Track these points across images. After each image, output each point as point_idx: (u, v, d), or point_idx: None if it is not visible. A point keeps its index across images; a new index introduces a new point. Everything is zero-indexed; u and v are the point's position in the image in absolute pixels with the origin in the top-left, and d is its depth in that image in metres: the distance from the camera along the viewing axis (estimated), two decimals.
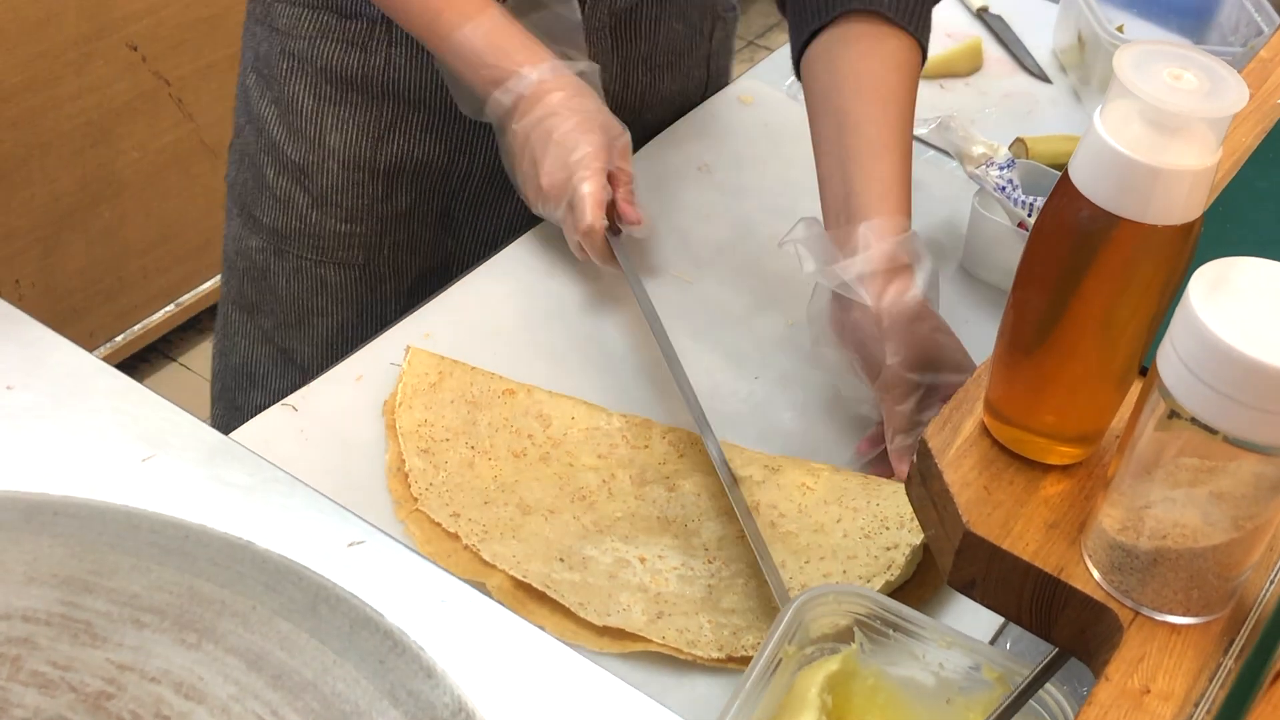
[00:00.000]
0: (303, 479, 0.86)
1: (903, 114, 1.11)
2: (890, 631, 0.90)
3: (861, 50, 1.12)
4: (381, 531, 0.83)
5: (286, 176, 1.30)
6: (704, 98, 1.43)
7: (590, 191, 1.10)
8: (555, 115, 1.11)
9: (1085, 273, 0.73)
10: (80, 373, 0.88)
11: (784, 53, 1.56)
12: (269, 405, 1.31)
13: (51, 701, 0.71)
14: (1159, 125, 0.69)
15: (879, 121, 1.09)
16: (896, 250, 1.06)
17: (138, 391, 0.88)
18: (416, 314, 1.17)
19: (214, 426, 1.42)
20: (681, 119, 1.40)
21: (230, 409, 1.41)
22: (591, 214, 1.10)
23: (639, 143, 1.35)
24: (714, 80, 1.43)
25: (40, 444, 0.84)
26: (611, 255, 1.14)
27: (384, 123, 1.26)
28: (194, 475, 0.84)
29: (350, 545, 0.82)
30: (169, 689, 0.72)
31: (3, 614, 0.74)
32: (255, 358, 1.37)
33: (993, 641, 0.98)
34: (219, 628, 0.75)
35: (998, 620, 0.98)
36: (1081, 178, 0.72)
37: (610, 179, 1.14)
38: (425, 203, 1.32)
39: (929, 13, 1.15)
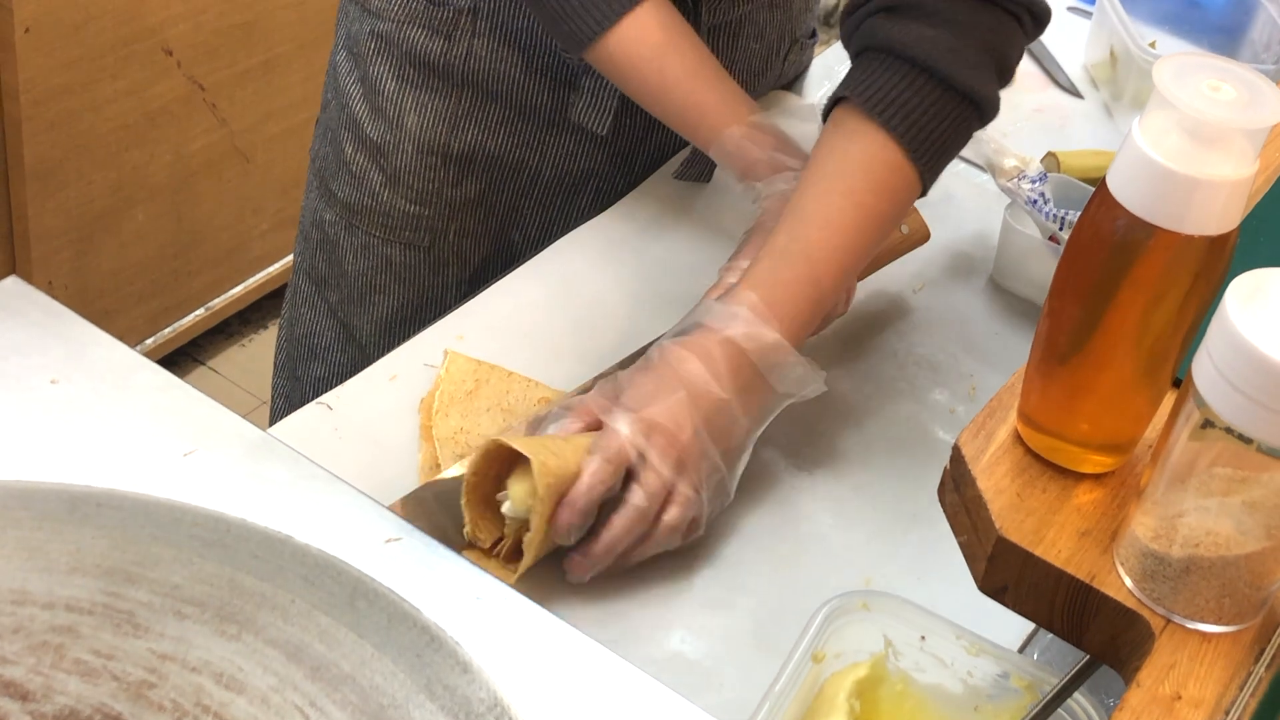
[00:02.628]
0: (338, 476, 0.87)
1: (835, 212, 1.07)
2: (919, 638, 0.91)
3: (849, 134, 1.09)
4: (417, 528, 0.84)
5: (364, 154, 1.33)
6: None
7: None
8: None
9: (1121, 282, 0.74)
10: (122, 368, 0.90)
11: (814, 64, 1.57)
12: (328, 378, 1.33)
13: (94, 690, 0.72)
14: (1197, 136, 0.70)
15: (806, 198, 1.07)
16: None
17: (179, 387, 0.89)
18: (451, 316, 1.18)
19: (275, 397, 1.47)
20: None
21: (291, 379, 1.44)
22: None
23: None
24: None
25: (83, 437, 0.85)
26: None
27: (461, 110, 1.29)
28: (234, 470, 0.85)
29: (387, 541, 0.83)
30: (209, 679, 0.73)
31: (46, 603, 0.75)
32: (319, 331, 1.40)
33: (1021, 650, 0.98)
34: (259, 620, 0.76)
35: (1026, 629, 0.99)
36: (1119, 187, 0.72)
37: None
38: (494, 194, 1.34)
39: (942, 157, 1.10)
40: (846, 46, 1.14)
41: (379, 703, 0.73)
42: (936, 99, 1.07)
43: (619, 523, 0.96)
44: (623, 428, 0.96)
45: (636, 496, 0.96)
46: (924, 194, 1.11)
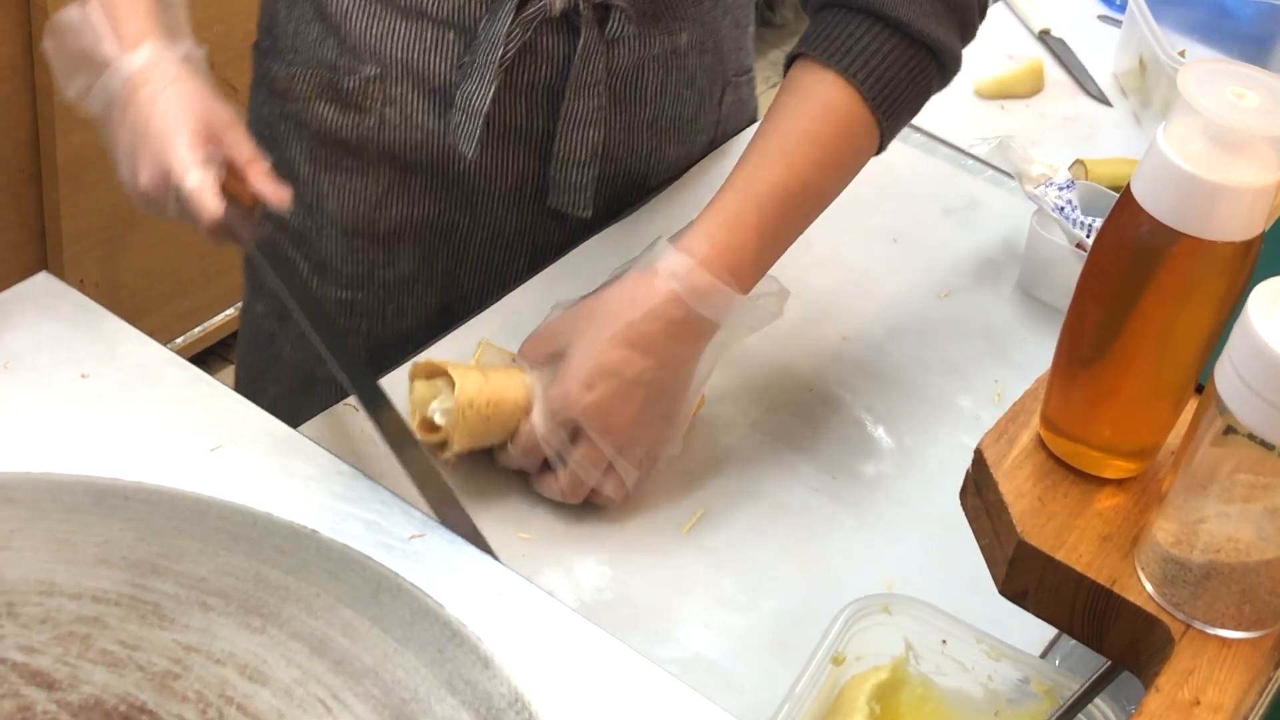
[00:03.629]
0: (363, 472, 0.88)
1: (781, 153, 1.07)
2: (940, 642, 0.91)
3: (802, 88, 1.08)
4: (442, 525, 0.85)
5: (287, 243, 1.28)
6: None
7: (194, 186, 1.01)
8: (144, 112, 1.03)
9: (1145, 287, 0.74)
10: (152, 363, 0.91)
11: None
12: None
13: (119, 679, 0.73)
14: (1221, 142, 0.70)
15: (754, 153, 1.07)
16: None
17: (207, 383, 0.90)
18: (477, 318, 1.19)
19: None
20: (694, 167, 1.35)
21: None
22: (211, 205, 1.01)
23: (643, 202, 1.33)
24: (719, 144, 1.38)
25: (112, 431, 0.86)
26: (250, 235, 1.06)
27: (381, 187, 1.24)
28: (260, 465, 0.86)
29: (411, 538, 0.84)
30: (233, 671, 0.74)
31: (74, 594, 0.76)
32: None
33: (1043, 656, 0.98)
34: (283, 613, 0.76)
35: (1048, 634, 0.99)
36: (1144, 193, 0.73)
37: (231, 162, 1.06)
38: (429, 266, 1.29)
39: (900, 107, 1.09)
40: (805, 9, 1.13)
41: (401, 696, 0.74)
42: (894, 46, 1.06)
43: (562, 480, 1.02)
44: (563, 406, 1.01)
45: (578, 464, 1.02)
46: (881, 149, 1.10)
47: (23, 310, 0.92)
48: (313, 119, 1.23)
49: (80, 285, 2.15)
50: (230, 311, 2.42)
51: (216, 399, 0.90)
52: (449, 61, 1.17)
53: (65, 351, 0.90)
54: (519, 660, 0.77)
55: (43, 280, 0.93)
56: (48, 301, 0.92)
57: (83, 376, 0.89)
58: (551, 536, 1.01)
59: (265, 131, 1.27)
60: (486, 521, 0.98)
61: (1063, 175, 1.29)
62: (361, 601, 0.77)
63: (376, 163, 1.23)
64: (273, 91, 1.26)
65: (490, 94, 1.15)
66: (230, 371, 2.47)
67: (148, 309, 2.28)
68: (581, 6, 1.14)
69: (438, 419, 0.99)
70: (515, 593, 0.82)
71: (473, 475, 1.03)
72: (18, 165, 2.02)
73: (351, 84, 1.20)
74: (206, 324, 2.40)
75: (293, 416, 1.11)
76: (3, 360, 0.89)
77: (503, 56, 1.13)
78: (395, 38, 1.17)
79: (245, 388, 1.31)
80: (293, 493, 0.84)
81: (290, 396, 1.30)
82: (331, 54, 1.20)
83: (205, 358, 2.45)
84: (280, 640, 0.75)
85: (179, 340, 2.36)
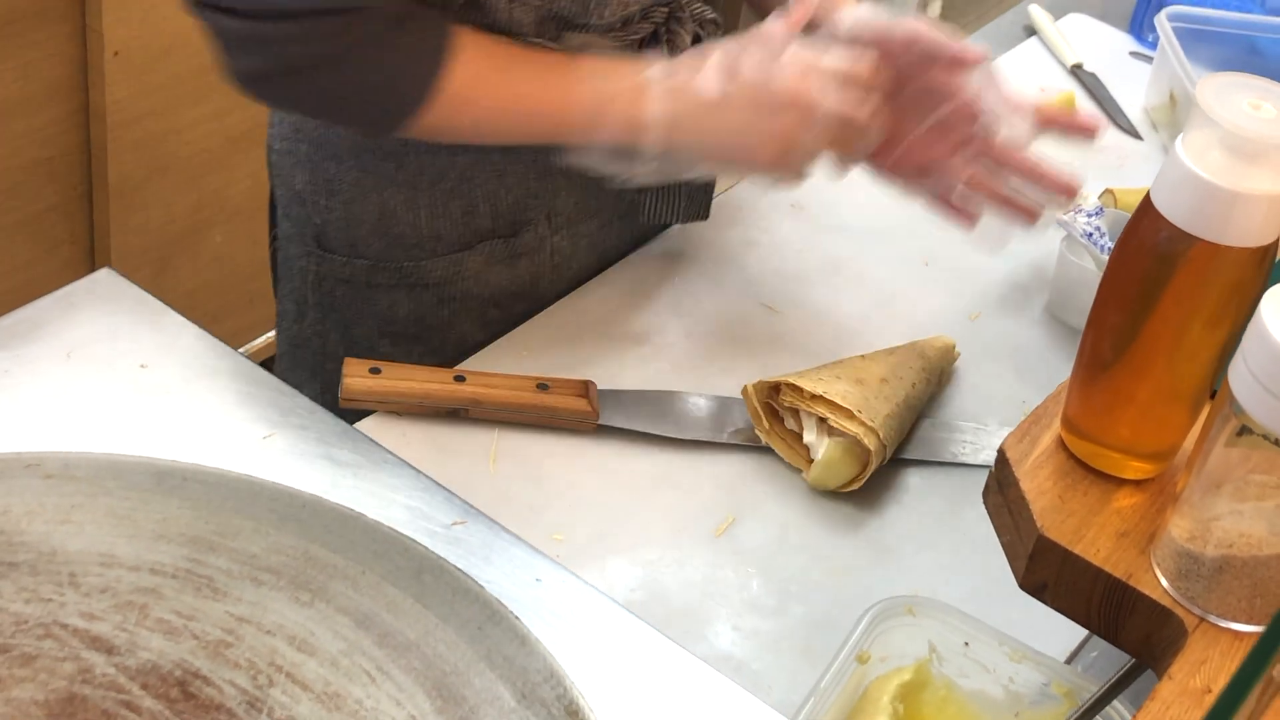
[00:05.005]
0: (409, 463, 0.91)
1: None
2: (963, 644, 0.93)
3: None
4: (481, 514, 0.88)
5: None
6: None
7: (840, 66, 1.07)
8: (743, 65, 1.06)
9: (1163, 292, 0.77)
10: (209, 356, 0.94)
11: None
12: None
13: (175, 646, 0.77)
14: (1238, 151, 0.73)
15: None
16: None
17: (260, 375, 0.94)
18: (517, 331, 1.22)
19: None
20: None
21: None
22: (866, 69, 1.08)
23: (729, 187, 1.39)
24: None
25: (171, 418, 0.90)
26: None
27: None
28: (310, 452, 0.89)
29: (452, 524, 0.87)
30: (283, 641, 0.77)
31: (133, 565, 0.80)
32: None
33: (1068, 662, 1.00)
34: (330, 589, 0.80)
35: (1073, 641, 1.01)
36: (1162, 200, 0.76)
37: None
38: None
39: None
40: None
41: (441, 669, 0.77)
42: None
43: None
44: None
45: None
46: None
47: (86, 304, 0.96)
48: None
49: None
50: (271, 334, 2.46)
51: (270, 391, 0.93)
52: None
53: (126, 343, 0.93)
54: (555, 641, 0.80)
55: (105, 275, 0.97)
56: (109, 295, 0.96)
57: (142, 366, 0.92)
58: (586, 538, 1.04)
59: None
60: (523, 524, 1.01)
61: (1091, 202, 1.32)
62: (405, 580, 0.80)
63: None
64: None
65: None
66: None
67: None
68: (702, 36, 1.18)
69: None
70: (552, 579, 0.86)
71: (510, 480, 1.06)
72: (70, 184, 2.06)
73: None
74: (250, 344, 2.43)
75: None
76: (66, 349, 0.93)
77: None
78: None
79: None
80: (340, 479, 0.88)
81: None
82: None
83: None
84: (327, 614, 0.79)
85: None
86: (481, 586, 0.80)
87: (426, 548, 0.82)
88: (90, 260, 2.16)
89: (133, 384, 0.91)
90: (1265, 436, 0.71)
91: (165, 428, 0.89)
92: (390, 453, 0.91)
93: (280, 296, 1.31)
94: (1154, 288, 0.77)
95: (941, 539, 1.10)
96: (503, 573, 0.85)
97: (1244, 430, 0.72)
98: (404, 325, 1.22)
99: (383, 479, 0.89)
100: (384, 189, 1.16)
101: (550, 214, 1.22)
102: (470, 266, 1.21)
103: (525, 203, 1.20)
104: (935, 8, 3.01)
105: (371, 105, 1.01)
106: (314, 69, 0.97)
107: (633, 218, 1.28)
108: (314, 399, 1.18)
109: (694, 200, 1.27)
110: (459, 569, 0.81)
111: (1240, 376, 0.71)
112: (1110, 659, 0.95)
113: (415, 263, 1.19)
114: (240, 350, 2.40)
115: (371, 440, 0.91)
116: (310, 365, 1.29)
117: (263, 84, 0.99)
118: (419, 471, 0.90)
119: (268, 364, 2.45)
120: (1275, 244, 0.75)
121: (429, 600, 0.80)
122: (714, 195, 1.31)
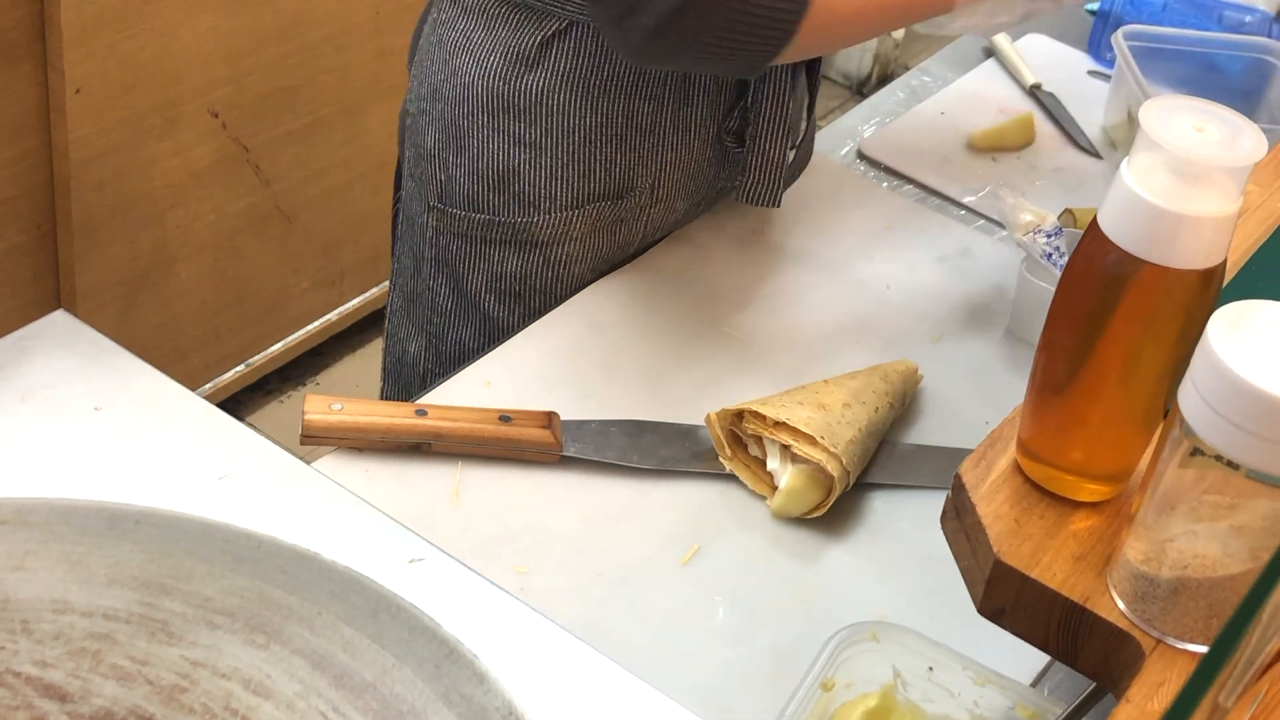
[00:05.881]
0: (366, 500, 0.91)
1: None
2: (927, 669, 0.93)
3: None
4: (440, 550, 0.88)
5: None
6: None
7: None
8: None
9: (1112, 315, 0.77)
10: (163, 396, 0.94)
11: (839, 124, 1.61)
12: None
13: (129, 692, 0.76)
14: (1182, 174, 0.73)
15: None
16: None
17: (215, 415, 0.94)
18: (478, 363, 1.22)
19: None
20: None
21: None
22: None
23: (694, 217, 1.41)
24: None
25: (124, 460, 0.89)
26: None
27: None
28: (266, 493, 0.89)
29: (410, 561, 0.87)
30: (238, 685, 0.77)
31: (86, 611, 0.79)
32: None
33: (1033, 685, 1.00)
34: (286, 630, 0.79)
35: (1036, 662, 1.01)
36: (1110, 224, 0.76)
37: None
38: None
39: None
40: None
41: (399, 709, 0.76)
42: None
43: None
44: None
45: None
46: None
47: (40, 346, 0.96)
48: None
49: None
50: (240, 368, 2.46)
51: (225, 430, 0.93)
52: None
53: (79, 385, 0.93)
54: (514, 678, 0.80)
55: (59, 317, 0.97)
56: (63, 337, 0.96)
57: (96, 409, 0.92)
58: (551, 570, 1.04)
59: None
60: (487, 557, 1.01)
61: (1050, 223, 1.32)
62: (361, 619, 0.80)
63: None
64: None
65: None
66: None
67: (160, 364, 2.27)
68: None
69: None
70: (511, 614, 0.85)
71: (474, 513, 1.06)
72: (33, 223, 2.06)
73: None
74: (218, 380, 2.43)
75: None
76: (20, 393, 0.92)
77: None
78: None
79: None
80: (296, 518, 0.87)
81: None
82: None
83: None
84: (283, 656, 0.78)
85: None
86: (439, 624, 0.80)
87: (383, 586, 0.81)
88: (56, 299, 2.15)
89: (87, 426, 0.91)
90: (1217, 458, 0.71)
91: (120, 470, 0.89)
92: (348, 490, 0.90)
93: (398, 254, 1.43)
94: (1103, 311, 0.77)
95: (906, 563, 1.10)
96: (461, 609, 0.84)
97: (1196, 451, 0.72)
98: (510, 283, 1.33)
99: (339, 517, 0.89)
100: (510, 147, 1.28)
101: (655, 185, 1.32)
102: (577, 228, 1.31)
103: (634, 170, 1.31)
104: (898, 32, 3.02)
105: (754, 36, 1.14)
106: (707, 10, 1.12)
107: (716, 200, 1.41)
108: (417, 354, 1.39)
109: (785, 185, 1.38)
110: (416, 607, 0.81)
111: (1190, 398, 0.71)
112: (1076, 681, 0.95)
113: (528, 219, 1.30)
114: (209, 385, 2.42)
115: (328, 478, 0.90)
116: (419, 320, 1.40)
117: (659, 39, 1.12)
118: (376, 509, 0.90)
119: (237, 398, 2.47)
120: (1222, 266, 0.76)
121: (385, 639, 0.79)
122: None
